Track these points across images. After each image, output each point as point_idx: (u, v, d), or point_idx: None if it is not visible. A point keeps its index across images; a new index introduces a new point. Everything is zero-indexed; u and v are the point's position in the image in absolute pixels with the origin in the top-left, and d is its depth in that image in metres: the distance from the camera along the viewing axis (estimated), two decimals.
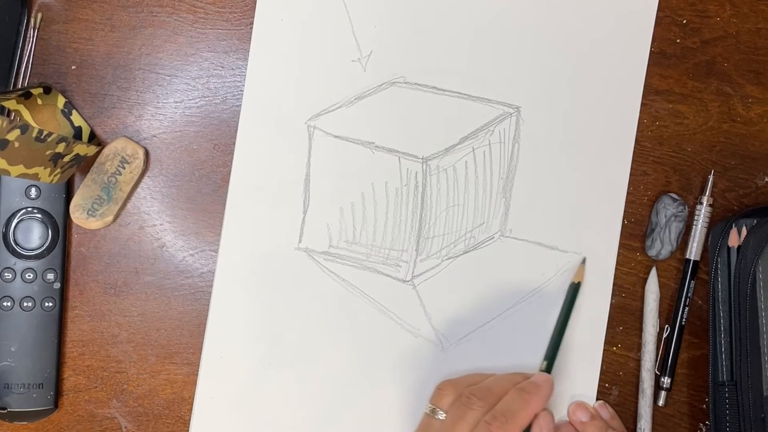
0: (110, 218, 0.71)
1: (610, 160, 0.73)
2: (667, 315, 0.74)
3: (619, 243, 0.73)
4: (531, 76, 0.73)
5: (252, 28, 0.72)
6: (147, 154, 0.72)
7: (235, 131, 0.72)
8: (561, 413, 0.72)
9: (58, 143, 0.63)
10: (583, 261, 0.73)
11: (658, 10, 0.73)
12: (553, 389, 0.67)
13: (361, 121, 0.72)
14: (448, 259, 0.73)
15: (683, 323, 0.73)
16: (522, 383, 0.66)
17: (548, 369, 0.70)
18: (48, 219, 0.70)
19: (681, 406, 0.74)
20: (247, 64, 0.72)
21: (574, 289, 0.72)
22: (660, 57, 0.74)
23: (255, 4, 0.72)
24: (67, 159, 0.66)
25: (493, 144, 0.72)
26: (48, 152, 0.63)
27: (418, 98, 0.72)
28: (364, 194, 0.72)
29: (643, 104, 0.73)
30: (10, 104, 0.69)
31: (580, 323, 0.73)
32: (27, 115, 0.70)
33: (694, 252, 0.73)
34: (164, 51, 0.72)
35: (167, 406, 0.72)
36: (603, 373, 0.73)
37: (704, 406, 0.74)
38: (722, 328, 0.71)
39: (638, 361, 0.73)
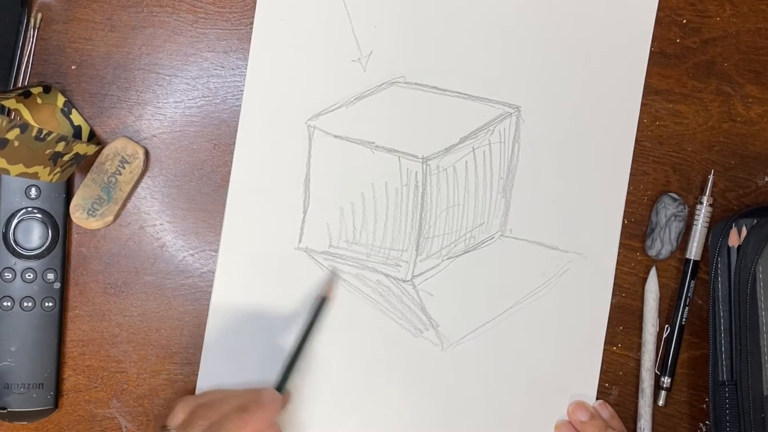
0: (110, 218, 0.71)
1: (610, 160, 0.73)
2: (667, 315, 0.74)
3: (619, 243, 0.73)
4: (531, 76, 0.73)
5: (252, 28, 0.72)
6: (147, 154, 0.72)
7: (235, 131, 0.72)
8: (561, 413, 0.72)
9: (57, 142, 0.63)
10: (333, 273, 0.71)
11: (658, 10, 0.73)
12: (279, 407, 0.66)
13: (361, 121, 0.72)
14: (448, 259, 0.73)
15: (683, 323, 0.73)
16: (244, 402, 0.64)
17: (282, 382, 0.68)
18: (48, 219, 0.70)
19: (681, 406, 0.74)
20: (247, 64, 0.72)
21: (319, 303, 0.70)
22: (660, 57, 0.74)
23: (255, 4, 0.72)
24: (66, 158, 0.66)
25: (493, 144, 0.72)
26: (48, 151, 0.63)
27: (418, 98, 0.72)
28: (364, 194, 0.72)
29: (643, 104, 0.73)
30: (10, 103, 0.69)
31: (580, 323, 0.73)
32: (27, 114, 0.70)
33: (694, 252, 0.73)
34: (164, 51, 0.72)
35: (167, 406, 0.72)
36: (603, 372, 0.73)
37: (704, 406, 0.74)
38: (722, 328, 0.71)
39: (638, 361, 0.73)
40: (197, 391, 0.71)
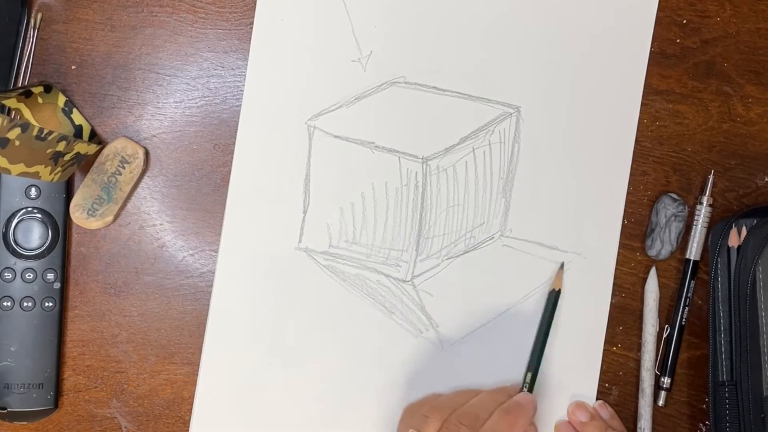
0: (110, 218, 0.71)
1: (610, 160, 0.73)
2: (667, 315, 0.74)
3: (619, 243, 0.73)
4: (531, 76, 0.73)
5: (252, 28, 0.72)
6: (147, 154, 0.72)
7: (235, 131, 0.72)
8: (561, 413, 0.72)
9: (58, 142, 0.63)
10: (561, 266, 0.72)
11: (658, 10, 0.74)
12: (536, 408, 0.67)
13: (361, 121, 0.72)
14: (448, 259, 0.73)
15: (683, 323, 0.73)
16: (506, 405, 0.65)
17: (532, 382, 0.71)
18: (48, 219, 0.70)
19: (681, 406, 0.74)
20: (247, 64, 0.72)
21: (554, 298, 0.72)
22: (660, 57, 0.74)
23: (255, 4, 0.72)
24: (67, 157, 0.66)
25: (493, 144, 0.72)
26: (49, 151, 0.63)
27: (418, 98, 0.72)
28: (364, 194, 0.72)
29: (643, 104, 0.74)
30: (11, 103, 0.69)
31: (580, 323, 0.73)
32: (27, 114, 0.70)
33: (694, 252, 0.73)
34: (164, 51, 0.72)
35: (167, 406, 0.72)
36: (603, 373, 0.73)
37: (704, 406, 0.74)
38: (722, 328, 0.71)
39: (638, 361, 0.73)
40: (197, 391, 0.71)
